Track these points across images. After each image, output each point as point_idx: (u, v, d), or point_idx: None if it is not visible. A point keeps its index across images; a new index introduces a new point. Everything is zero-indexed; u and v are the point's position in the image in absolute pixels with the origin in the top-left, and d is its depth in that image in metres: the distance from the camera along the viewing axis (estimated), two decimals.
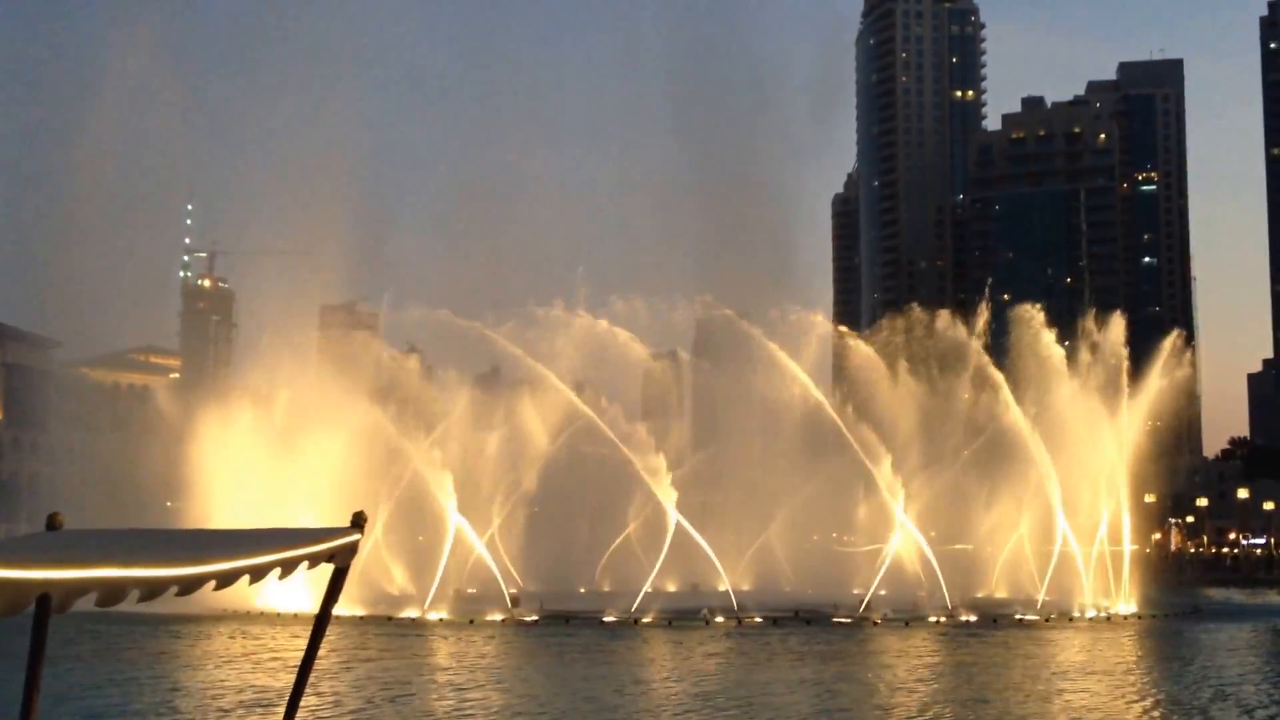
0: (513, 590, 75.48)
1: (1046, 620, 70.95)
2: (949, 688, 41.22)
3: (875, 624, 66.84)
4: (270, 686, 39.37)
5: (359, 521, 8.85)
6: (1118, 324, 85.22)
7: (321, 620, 8.91)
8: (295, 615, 65.89)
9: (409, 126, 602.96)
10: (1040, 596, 76.92)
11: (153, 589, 6.54)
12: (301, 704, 8.99)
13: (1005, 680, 43.70)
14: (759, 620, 67.48)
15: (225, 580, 7.27)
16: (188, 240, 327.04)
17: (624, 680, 42.49)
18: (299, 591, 64.11)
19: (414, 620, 68.78)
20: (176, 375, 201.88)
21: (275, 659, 48.00)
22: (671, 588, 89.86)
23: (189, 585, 6.89)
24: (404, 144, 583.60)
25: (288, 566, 8.17)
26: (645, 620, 67.19)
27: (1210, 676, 44.96)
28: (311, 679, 7.59)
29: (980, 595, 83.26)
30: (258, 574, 7.73)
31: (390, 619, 68.71)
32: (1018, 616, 72.17)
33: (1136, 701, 37.78)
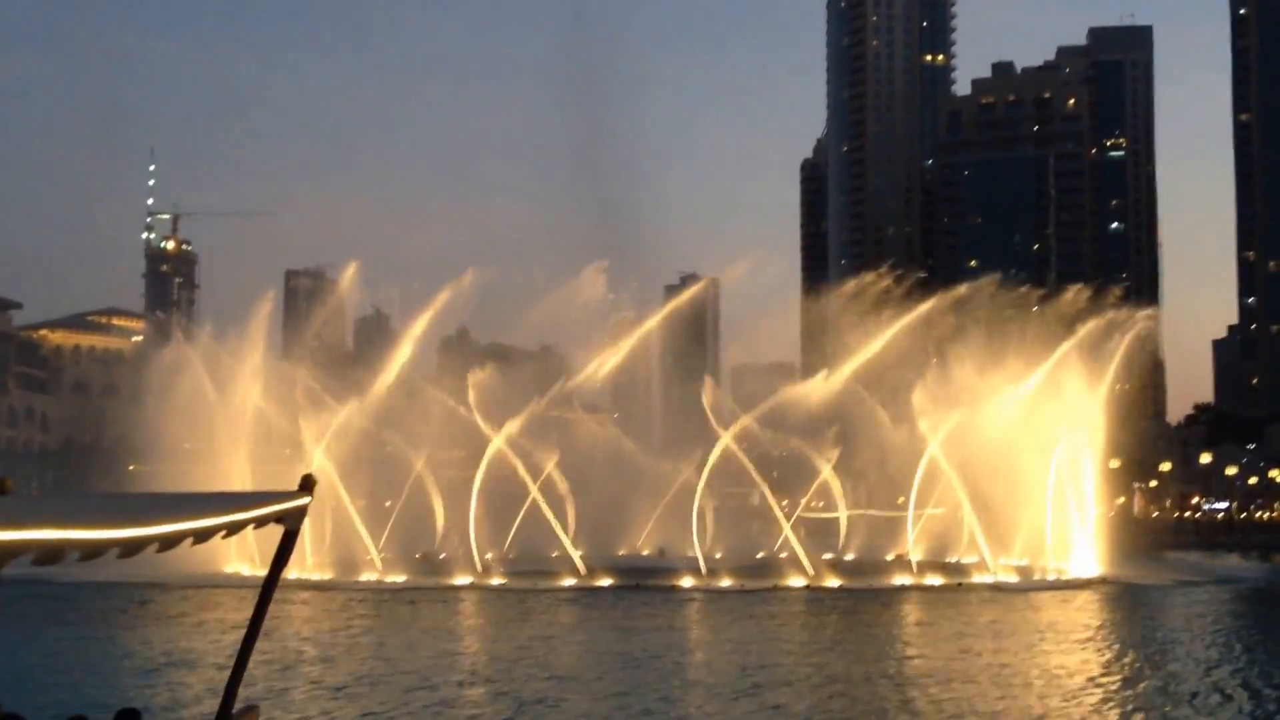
0: (487, 555, 75.52)
1: (1010, 583, 71.51)
2: (873, 648, 42.41)
3: (844, 589, 67.18)
4: (194, 649, 39.59)
5: (308, 485, 8.90)
6: (1081, 293, 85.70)
7: (270, 582, 9.12)
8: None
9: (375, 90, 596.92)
10: (1004, 559, 77.19)
11: (92, 551, 6.53)
12: (230, 666, 9.15)
13: (934, 637, 45.31)
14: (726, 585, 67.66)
15: (168, 543, 7.27)
16: (151, 202, 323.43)
17: (542, 642, 43.02)
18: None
19: (371, 584, 68.69)
20: (139, 338, 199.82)
21: (218, 620, 48.36)
22: (645, 552, 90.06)
23: (129, 548, 6.85)
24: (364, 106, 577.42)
25: (233, 529, 8.24)
26: (610, 584, 67.58)
27: (1135, 637, 46.62)
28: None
29: (950, 559, 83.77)
30: (202, 536, 7.79)
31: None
32: (978, 579, 72.69)
33: (1049, 655, 39.55)
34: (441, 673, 34.80)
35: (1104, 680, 34.37)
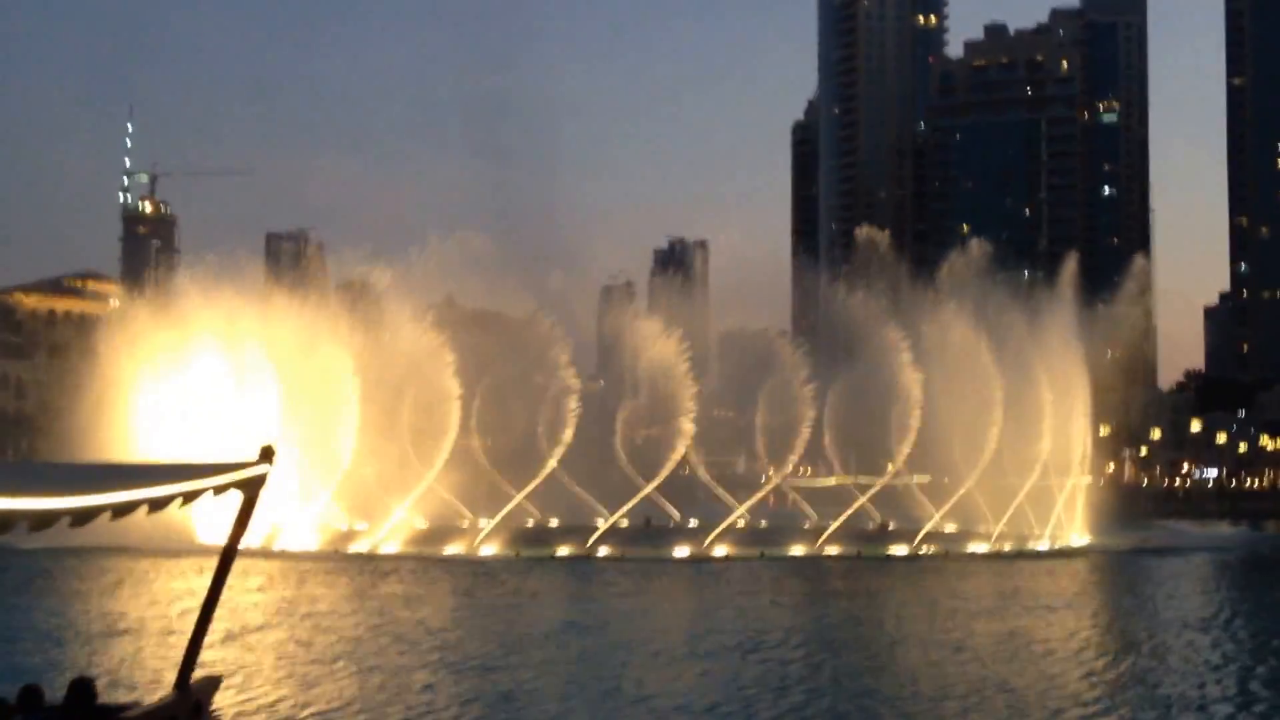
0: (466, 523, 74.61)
1: (994, 552, 70.74)
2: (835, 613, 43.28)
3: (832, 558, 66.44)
4: (152, 616, 39.16)
5: (267, 454, 9.38)
6: (1071, 263, 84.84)
7: (229, 552, 9.77)
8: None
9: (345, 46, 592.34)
10: (990, 528, 76.04)
11: (41, 520, 6.84)
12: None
13: (896, 604, 46.25)
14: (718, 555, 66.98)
15: (121, 511, 7.59)
16: (128, 162, 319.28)
17: (492, 612, 42.90)
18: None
19: (366, 555, 67.60)
20: (116, 302, 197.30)
21: (187, 590, 47.90)
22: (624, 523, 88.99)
23: (81, 516, 7.09)
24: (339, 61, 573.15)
25: (190, 497, 8.61)
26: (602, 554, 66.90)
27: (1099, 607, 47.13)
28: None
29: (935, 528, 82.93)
30: (157, 505, 8.08)
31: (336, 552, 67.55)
32: (962, 549, 71.75)
33: (1010, 621, 40.11)
34: (389, 642, 34.80)
35: (1056, 646, 34.26)
